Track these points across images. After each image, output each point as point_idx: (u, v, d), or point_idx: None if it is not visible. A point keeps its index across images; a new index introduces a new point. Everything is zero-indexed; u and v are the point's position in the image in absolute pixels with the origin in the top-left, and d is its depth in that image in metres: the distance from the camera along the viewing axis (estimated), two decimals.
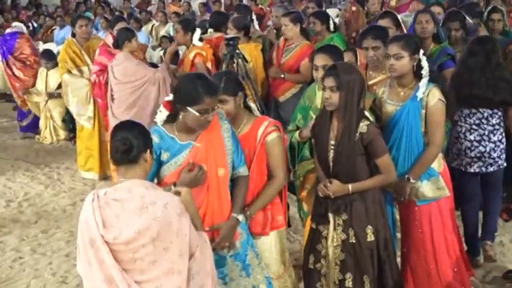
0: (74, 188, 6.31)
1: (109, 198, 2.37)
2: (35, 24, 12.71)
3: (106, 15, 10.52)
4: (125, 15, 9.82)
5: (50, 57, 8.04)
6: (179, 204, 2.42)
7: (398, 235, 3.72)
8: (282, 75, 5.41)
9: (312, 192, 3.51)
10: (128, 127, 2.51)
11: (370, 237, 3.24)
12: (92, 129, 6.37)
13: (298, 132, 3.67)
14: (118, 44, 5.65)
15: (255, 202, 3.19)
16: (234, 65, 5.04)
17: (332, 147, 3.23)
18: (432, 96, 3.43)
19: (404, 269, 3.69)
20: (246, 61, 5.25)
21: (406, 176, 3.47)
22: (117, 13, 11.43)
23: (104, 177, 6.41)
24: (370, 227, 3.24)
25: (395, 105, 3.55)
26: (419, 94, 3.44)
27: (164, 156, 2.93)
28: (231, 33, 5.62)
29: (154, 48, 9.37)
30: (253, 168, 3.15)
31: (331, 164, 3.24)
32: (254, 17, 6.47)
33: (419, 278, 3.66)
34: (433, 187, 3.52)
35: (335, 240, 3.26)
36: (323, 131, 3.26)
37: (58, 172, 6.82)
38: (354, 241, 3.23)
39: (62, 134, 8.00)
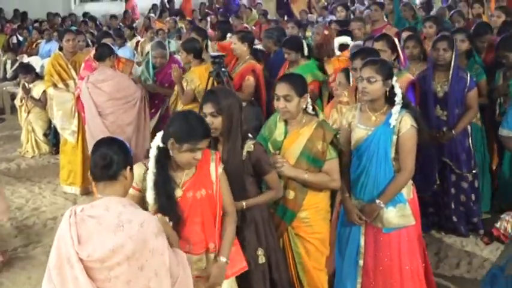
0: (55, 202, 6.25)
1: (85, 214, 2.36)
2: (20, 38, 12.66)
3: (92, 31, 10.53)
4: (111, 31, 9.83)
5: (28, 71, 8.00)
6: (156, 223, 2.41)
7: (361, 262, 3.61)
8: None
9: None
10: (108, 143, 2.50)
11: (262, 260, 3.23)
12: (75, 144, 6.31)
13: None
14: (100, 57, 5.61)
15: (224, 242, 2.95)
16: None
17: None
18: (405, 123, 3.41)
19: None
20: (231, 78, 5.30)
21: (376, 200, 3.47)
22: (104, 28, 11.45)
23: (86, 192, 6.35)
24: (261, 249, 3.23)
25: (366, 129, 3.52)
26: (392, 121, 3.42)
27: None
28: (182, 56, 5.76)
29: (139, 64, 9.38)
30: (220, 207, 2.94)
31: None
32: (209, 43, 6.50)
33: None
34: (398, 214, 3.48)
35: None
36: None
37: (39, 186, 6.76)
38: None
39: (44, 147, 7.96)
